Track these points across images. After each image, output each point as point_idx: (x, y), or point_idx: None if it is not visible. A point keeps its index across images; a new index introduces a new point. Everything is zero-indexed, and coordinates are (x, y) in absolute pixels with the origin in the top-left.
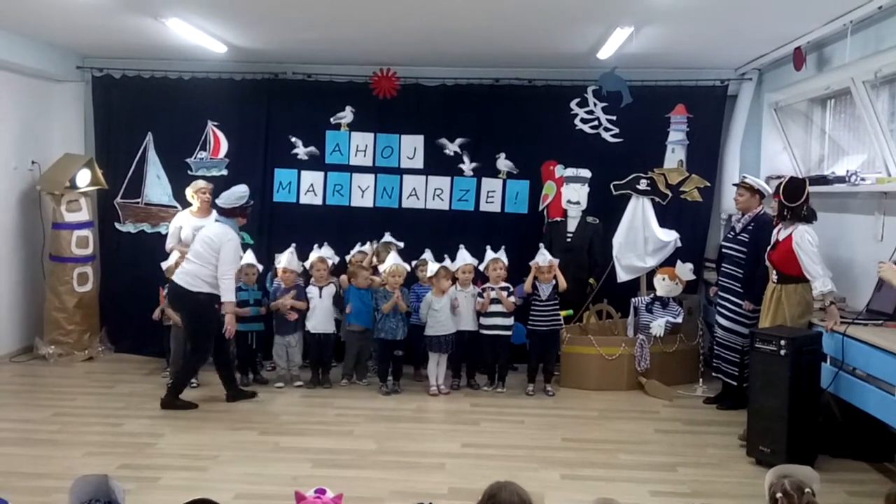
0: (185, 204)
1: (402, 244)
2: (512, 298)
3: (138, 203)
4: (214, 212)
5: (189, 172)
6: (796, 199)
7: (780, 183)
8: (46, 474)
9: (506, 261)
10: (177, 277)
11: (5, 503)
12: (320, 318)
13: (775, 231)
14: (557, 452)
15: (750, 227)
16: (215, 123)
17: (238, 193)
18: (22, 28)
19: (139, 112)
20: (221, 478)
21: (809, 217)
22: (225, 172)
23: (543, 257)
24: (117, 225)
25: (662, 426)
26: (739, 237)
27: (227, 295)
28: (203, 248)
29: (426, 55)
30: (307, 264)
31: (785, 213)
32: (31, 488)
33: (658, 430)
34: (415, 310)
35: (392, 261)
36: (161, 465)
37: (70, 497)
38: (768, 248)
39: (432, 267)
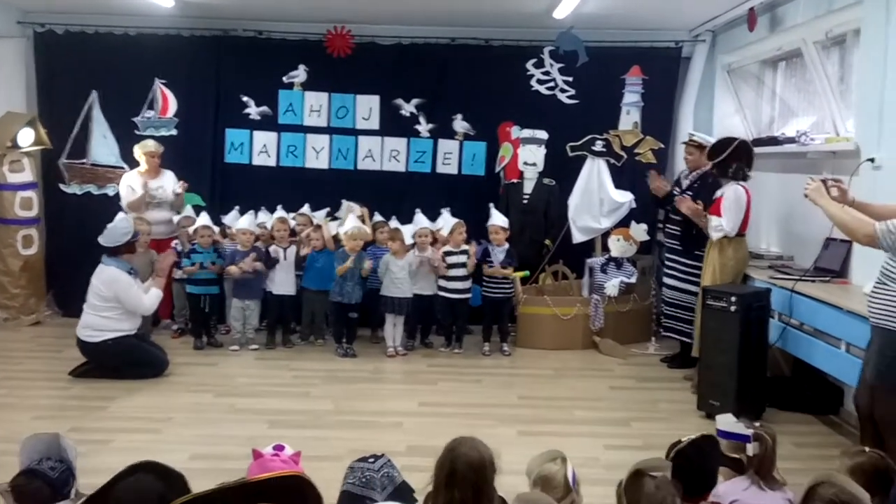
0: (133, 164)
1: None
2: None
3: (84, 164)
4: (166, 171)
5: (136, 132)
6: (714, 157)
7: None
8: None
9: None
10: (80, 334)
11: None
12: (283, 280)
13: (718, 191)
14: (514, 410)
15: (696, 185)
16: (163, 81)
17: (121, 230)
18: None
19: (83, 69)
20: (176, 439)
21: (736, 175)
22: (174, 132)
23: (497, 217)
24: (62, 186)
25: (616, 383)
26: (685, 194)
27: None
28: (94, 297)
29: (381, 13)
30: (268, 225)
31: (713, 170)
32: None
33: (612, 387)
34: (374, 269)
35: (351, 223)
36: (113, 428)
37: (21, 455)
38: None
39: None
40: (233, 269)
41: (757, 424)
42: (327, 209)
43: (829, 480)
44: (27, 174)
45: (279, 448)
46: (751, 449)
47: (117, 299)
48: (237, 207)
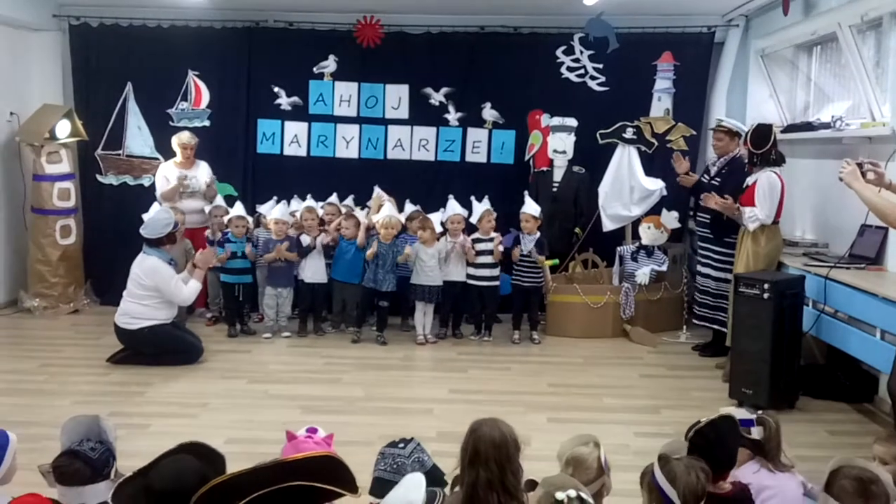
0: (168, 155)
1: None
2: (500, 248)
3: (119, 155)
4: (201, 162)
5: (171, 123)
6: (762, 145)
7: (748, 131)
8: (35, 422)
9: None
10: (118, 322)
11: (7, 436)
12: (315, 268)
13: (749, 178)
14: (544, 397)
15: (724, 171)
16: (196, 73)
17: (163, 222)
18: None
19: (118, 61)
20: (212, 424)
21: (778, 161)
22: (207, 123)
23: (528, 205)
24: (99, 177)
25: (646, 371)
26: (713, 182)
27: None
28: (134, 286)
29: (410, 2)
30: (297, 215)
31: (755, 159)
32: (20, 436)
33: (642, 374)
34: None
35: (386, 212)
36: (151, 413)
37: (62, 437)
38: (740, 192)
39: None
40: (270, 255)
41: (759, 412)
42: (353, 196)
43: (849, 463)
44: (65, 165)
45: (312, 430)
46: (756, 433)
47: (157, 289)
48: (274, 197)
